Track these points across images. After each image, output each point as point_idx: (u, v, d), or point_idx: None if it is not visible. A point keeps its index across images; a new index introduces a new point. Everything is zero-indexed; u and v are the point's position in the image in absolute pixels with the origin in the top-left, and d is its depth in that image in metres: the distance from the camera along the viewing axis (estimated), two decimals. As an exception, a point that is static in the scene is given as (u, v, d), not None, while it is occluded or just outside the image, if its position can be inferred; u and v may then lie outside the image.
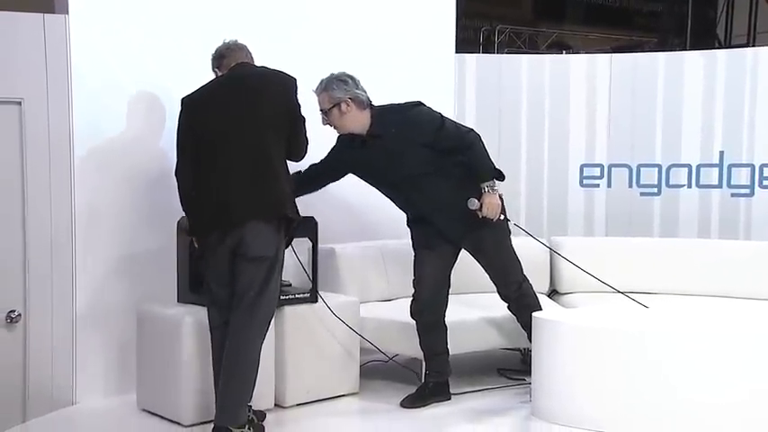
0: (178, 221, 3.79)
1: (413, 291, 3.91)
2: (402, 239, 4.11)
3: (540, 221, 5.33)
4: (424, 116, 3.78)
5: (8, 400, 3.78)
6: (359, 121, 3.74)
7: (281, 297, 3.76)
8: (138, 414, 3.74)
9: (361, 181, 3.96)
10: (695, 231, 5.17)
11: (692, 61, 5.26)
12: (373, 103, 3.80)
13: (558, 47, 13.27)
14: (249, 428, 3.31)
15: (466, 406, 3.88)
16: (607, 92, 5.31)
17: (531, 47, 13.60)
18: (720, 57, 5.26)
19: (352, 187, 4.06)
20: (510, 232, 3.92)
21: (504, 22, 13.85)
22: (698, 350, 3.30)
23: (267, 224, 3.30)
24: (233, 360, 3.29)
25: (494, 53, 12.12)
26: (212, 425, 3.32)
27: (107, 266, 3.91)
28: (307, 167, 3.88)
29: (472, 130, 3.85)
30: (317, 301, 3.89)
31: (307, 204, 3.91)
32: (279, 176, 3.34)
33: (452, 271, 3.94)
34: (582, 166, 5.37)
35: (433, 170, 3.75)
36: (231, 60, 3.52)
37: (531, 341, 3.96)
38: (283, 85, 3.40)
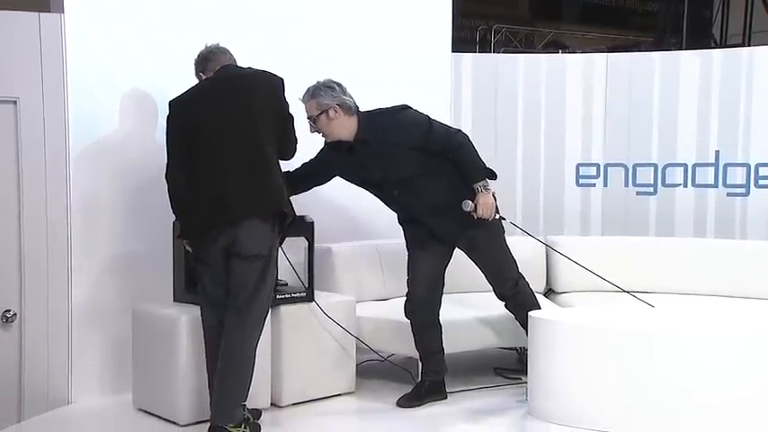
0: (174, 221, 3.79)
1: (407, 290, 3.91)
2: (398, 239, 4.10)
3: (537, 221, 5.33)
4: (412, 119, 3.77)
5: (4, 399, 3.78)
6: (346, 128, 3.73)
7: (278, 296, 3.77)
8: (133, 413, 3.73)
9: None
10: (691, 231, 5.18)
11: (688, 61, 5.27)
12: (360, 108, 3.77)
13: (555, 46, 13.28)
14: (245, 427, 3.31)
15: (462, 405, 3.88)
16: (603, 91, 5.31)
17: (528, 46, 13.61)
18: (716, 56, 5.27)
19: (347, 187, 4.06)
20: (504, 230, 3.91)
21: (501, 22, 13.86)
22: (695, 349, 3.30)
23: (263, 222, 3.31)
24: (228, 358, 3.29)
25: (490, 52, 12.12)
26: (208, 424, 3.32)
27: (103, 266, 3.91)
28: (296, 168, 3.87)
29: (460, 130, 3.84)
30: (312, 301, 3.89)
31: (302, 204, 3.90)
32: (274, 173, 3.36)
33: (447, 270, 3.94)
34: (578, 166, 5.37)
35: (422, 172, 3.73)
36: (215, 64, 3.52)
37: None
38: (271, 84, 3.40)
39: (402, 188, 3.75)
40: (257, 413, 3.57)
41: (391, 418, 3.73)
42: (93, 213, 3.88)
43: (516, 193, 5.30)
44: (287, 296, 3.83)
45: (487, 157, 3.87)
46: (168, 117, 3.42)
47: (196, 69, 3.61)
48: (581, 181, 5.38)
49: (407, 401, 3.85)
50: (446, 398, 3.93)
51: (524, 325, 3.90)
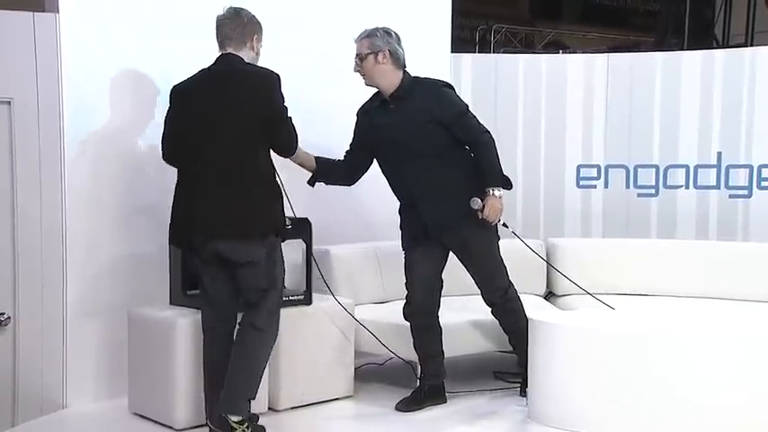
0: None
1: (406, 293, 3.87)
2: (397, 240, 4.07)
3: (537, 222, 5.30)
4: (452, 96, 3.78)
5: (-2, 403, 3.75)
6: (388, 78, 3.70)
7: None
8: (129, 418, 3.70)
9: (359, 180, 3.93)
10: (693, 232, 5.15)
11: (690, 61, 5.23)
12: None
13: (555, 46, 13.25)
14: (248, 427, 3.28)
15: (462, 409, 3.85)
16: (604, 92, 5.28)
17: (528, 46, 13.59)
18: (718, 57, 5.24)
19: (346, 188, 4.02)
20: (499, 237, 3.86)
21: (501, 22, 13.83)
22: (695, 352, 3.28)
23: (239, 242, 3.26)
24: (240, 354, 3.29)
25: (490, 53, 12.09)
26: (206, 429, 3.28)
27: (98, 268, 3.87)
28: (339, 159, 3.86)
29: (489, 131, 3.80)
30: (311, 303, 3.86)
31: (300, 206, 3.87)
32: (248, 192, 3.26)
33: (448, 273, 3.90)
34: (579, 167, 5.34)
35: (440, 154, 3.68)
36: (219, 36, 3.42)
37: (513, 345, 3.98)
38: (262, 84, 3.32)
39: (415, 164, 3.67)
40: (255, 418, 3.53)
41: (390, 421, 3.70)
42: (89, 215, 3.85)
43: (517, 195, 5.26)
44: (285, 299, 3.78)
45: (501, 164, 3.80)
46: (169, 103, 3.42)
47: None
48: (582, 182, 5.34)
49: (407, 405, 3.82)
50: (446, 402, 3.90)
51: (509, 331, 3.90)
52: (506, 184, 3.78)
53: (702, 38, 13.02)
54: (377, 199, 4.01)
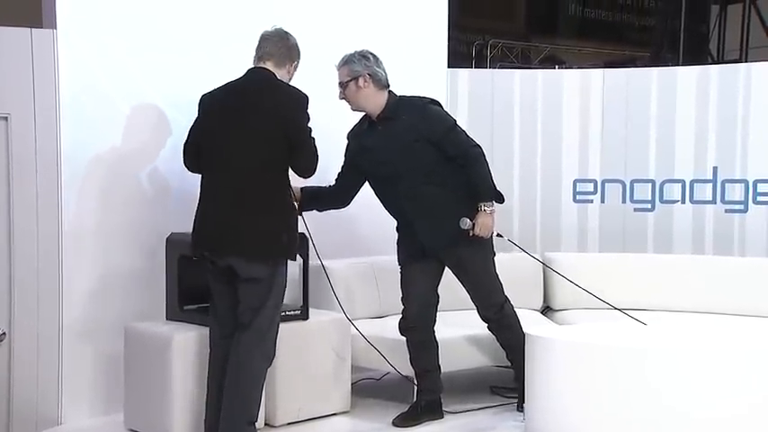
0: (167, 238, 3.75)
1: (402, 308, 3.87)
2: (393, 255, 4.06)
3: (533, 237, 5.29)
4: (439, 113, 3.78)
5: (-7, 419, 3.73)
6: (373, 101, 3.71)
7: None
8: (125, 434, 3.69)
9: (357, 194, 3.94)
10: (689, 247, 5.15)
11: (685, 76, 5.25)
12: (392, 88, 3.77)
13: (551, 61, 13.33)
14: None
15: (459, 424, 3.84)
16: (600, 107, 5.29)
17: (524, 61, 13.66)
18: (713, 72, 5.26)
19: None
20: (494, 253, 3.86)
21: (497, 37, 13.90)
22: (693, 367, 3.26)
23: (249, 261, 3.28)
24: (234, 377, 3.28)
25: (486, 68, 12.14)
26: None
27: (94, 284, 3.86)
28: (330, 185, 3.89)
29: (479, 145, 3.80)
30: (308, 318, 3.86)
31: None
32: (261, 211, 3.27)
33: (444, 287, 3.90)
34: (575, 182, 5.34)
35: (431, 171, 3.69)
36: (260, 50, 3.44)
37: (510, 360, 3.97)
38: (288, 103, 3.32)
39: (406, 183, 3.69)
40: None
41: (387, 438, 3.69)
42: (85, 230, 3.84)
43: (513, 209, 5.26)
44: (281, 314, 3.78)
45: (493, 179, 3.81)
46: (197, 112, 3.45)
47: None
48: (578, 197, 5.35)
49: (404, 421, 3.81)
50: (443, 417, 3.89)
51: (505, 346, 3.90)
52: (498, 198, 3.77)
53: (698, 53, 13.10)
54: (372, 214, 4.00)
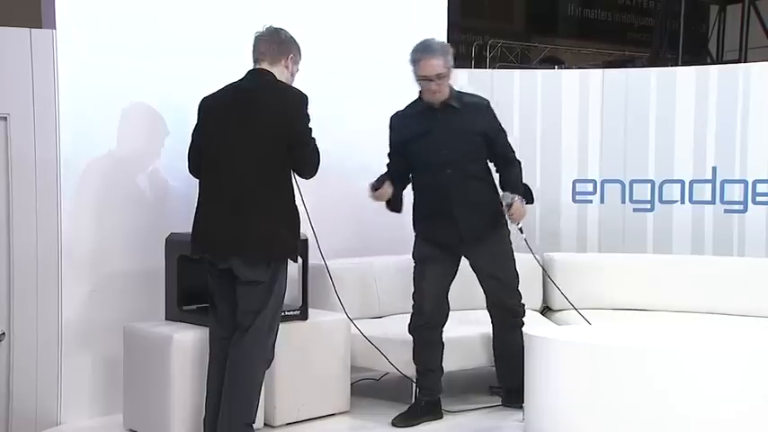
0: (166, 238, 3.75)
1: (412, 304, 3.89)
2: (392, 256, 4.07)
3: (533, 237, 5.27)
4: (493, 113, 3.95)
5: (-8, 420, 3.73)
6: (447, 90, 3.82)
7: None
8: (124, 434, 3.69)
9: (353, 195, 3.93)
10: (689, 247, 5.15)
11: (685, 77, 5.25)
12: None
13: (551, 61, 13.32)
14: None
15: (458, 424, 3.85)
16: (599, 107, 5.29)
17: (524, 61, 13.66)
18: (712, 72, 5.26)
19: (342, 203, 4.03)
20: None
21: (497, 37, 13.91)
22: (693, 367, 3.26)
23: (247, 264, 3.28)
24: (232, 379, 3.28)
25: (486, 68, 12.14)
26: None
27: (94, 284, 3.86)
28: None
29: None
30: (307, 319, 3.86)
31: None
32: (261, 213, 3.26)
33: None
34: (574, 182, 5.34)
35: (477, 165, 3.87)
36: (255, 53, 3.42)
37: (498, 356, 4.04)
38: (286, 103, 3.31)
39: (456, 172, 3.80)
40: None
41: (386, 438, 3.69)
42: (84, 231, 3.84)
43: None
44: (281, 314, 3.78)
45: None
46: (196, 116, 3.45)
47: None
48: (577, 197, 5.34)
49: (403, 421, 3.81)
50: (442, 417, 3.89)
51: (510, 343, 3.91)
52: (531, 198, 3.97)
53: (697, 53, 13.10)
54: (370, 214, 4.00)
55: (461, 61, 11.87)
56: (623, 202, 5.27)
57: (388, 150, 3.95)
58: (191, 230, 3.42)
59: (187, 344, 3.51)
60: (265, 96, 3.34)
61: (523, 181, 4.00)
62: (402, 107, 3.94)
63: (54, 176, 3.76)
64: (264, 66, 3.40)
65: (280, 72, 3.41)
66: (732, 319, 4.53)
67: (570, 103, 5.32)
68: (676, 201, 5.20)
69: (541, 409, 3.49)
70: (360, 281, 4.45)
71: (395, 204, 3.90)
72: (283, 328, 3.75)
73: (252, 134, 3.28)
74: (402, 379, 4.06)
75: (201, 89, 4.08)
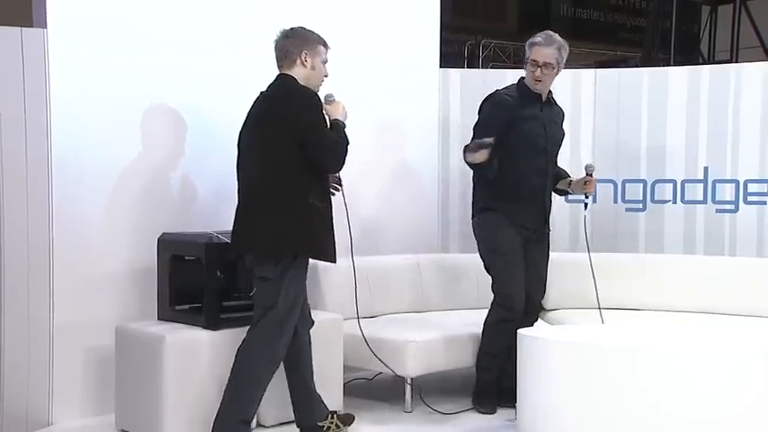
0: (159, 238, 3.74)
1: (497, 297, 3.98)
2: (385, 255, 4.07)
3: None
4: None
5: (-18, 421, 3.71)
6: (549, 85, 4.05)
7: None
8: (116, 435, 3.68)
9: (347, 195, 3.94)
10: (681, 247, 5.16)
11: (677, 76, 5.26)
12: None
13: (543, 61, 13.35)
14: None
15: (448, 426, 3.84)
16: (592, 107, 5.30)
17: (516, 61, 13.66)
18: (704, 72, 5.27)
19: (335, 202, 4.01)
20: None
21: (489, 37, 13.91)
22: (683, 367, 3.27)
23: (257, 258, 3.39)
24: (233, 375, 3.34)
25: (478, 68, 12.14)
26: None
27: (85, 283, 3.84)
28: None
29: None
30: (299, 319, 3.85)
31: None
32: (270, 212, 3.32)
33: (444, 286, 4.23)
34: (567, 182, 5.34)
35: (555, 156, 4.12)
36: (276, 52, 3.48)
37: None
38: (292, 104, 3.33)
39: (550, 162, 4.07)
40: (350, 418, 3.74)
41: (379, 437, 3.69)
42: (76, 230, 3.82)
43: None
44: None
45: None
46: None
47: None
48: (570, 197, 5.35)
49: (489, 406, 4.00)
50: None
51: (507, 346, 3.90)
52: None
53: (689, 53, 13.13)
54: (367, 213, 4.00)
55: (454, 61, 11.89)
56: (615, 201, 5.28)
57: (486, 125, 3.96)
58: None
59: (179, 344, 3.50)
60: (275, 100, 3.40)
61: None
62: (398, 107, 3.97)
63: (45, 175, 3.74)
64: (284, 70, 3.47)
65: (299, 71, 3.44)
66: (723, 319, 4.54)
67: (562, 102, 5.27)
68: (668, 201, 5.21)
69: (533, 408, 3.50)
70: (352, 280, 4.44)
71: (489, 169, 3.92)
72: (276, 327, 3.76)
73: (261, 138, 3.36)
74: (395, 379, 4.06)
75: (193, 88, 4.09)
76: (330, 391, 3.92)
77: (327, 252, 3.45)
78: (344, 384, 4.04)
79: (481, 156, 3.81)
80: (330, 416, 3.64)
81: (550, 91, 4.10)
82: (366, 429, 3.80)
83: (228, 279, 3.76)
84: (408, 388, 4.01)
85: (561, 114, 4.18)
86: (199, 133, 4.11)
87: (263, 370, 3.37)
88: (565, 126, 4.22)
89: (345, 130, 3.46)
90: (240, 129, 3.49)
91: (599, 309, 4.13)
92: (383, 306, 4.42)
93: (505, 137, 3.90)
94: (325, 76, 3.51)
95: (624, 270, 4.85)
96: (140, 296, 3.87)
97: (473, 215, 4.08)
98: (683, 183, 5.19)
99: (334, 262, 3.49)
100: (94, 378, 3.88)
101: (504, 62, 13.33)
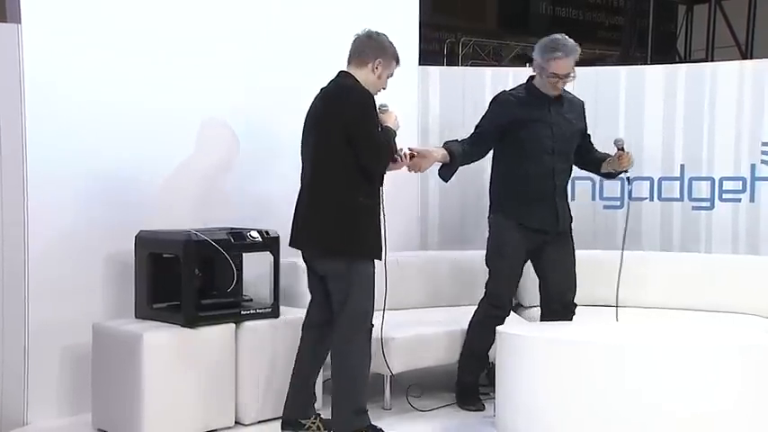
0: (136, 235, 3.72)
1: (488, 293, 4.03)
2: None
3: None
4: (585, 111, 4.18)
5: (-44, 421, 3.66)
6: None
7: (242, 312, 3.74)
8: (93, 434, 3.64)
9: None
10: (658, 244, 5.20)
11: (653, 75, 5.30)
12: None
13: (522, 59, 13.37)
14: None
15: (428, 423, 3.85)
16: (569, 105, 5.31)
17: (495, 59, 13.70)
18: (681, 71, 5.31)
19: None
20: None
21: (469, 35, 13.94)
22: (663, 363, 3.30)
23: (314, 253, 3.52)
24: (333, 373, 3.51)
25: (458, 65, 12.16)
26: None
27: (61, 282, 3.80)
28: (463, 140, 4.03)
29: None
30: (278, 317, 3.84)
31: (270, 217, 3.86)
32: (331, 209, 3.42)
33: (425, 285, 4.24)
34: (545, 179, 5.35)
35: (571, 159, 4.09)
36: (352, 47, 3.55)
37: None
38: (346, 102, 3.41)
39: (561, 162, 4.01)
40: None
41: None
42: (52, 228, 3.78)
43: (484, 211, 5.26)
44: (252, 312, 3.77)
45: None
46: None
47: None
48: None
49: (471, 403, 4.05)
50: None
51: None
52: None
53: (666, 52, 13.23)
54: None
55: (433, 58, 11.90)
56: (593, 199, 5.31)
57: (480, 122, 4.05)
58: None
59: (157, 342, 3.48)
60: (331, 96, 3.47)
61: None
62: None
63: (20, 173, 3.70)
64: (350, 68, 3.53)
65: (365, 75, 3.52)
66: (700, 315, 4.59)
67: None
68: (646, 198, 5.25)
69: (513, 405, 3.51)
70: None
71: (447, 172, 3.98)
72: (253, 325, 3.75)
73: (317, 135, 3.45)
74: (374, 376, 4.06)
75: (170, 85, 4.06)
76: (309, 388, 3.93)
77: (377, 250, 3.51)
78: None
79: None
80: (314, 417, 3.65)
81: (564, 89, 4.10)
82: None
83: (207, 277, 3.75)
84: (388, 385, 4.01)
85: (579, 107, 4.13)
86: (175, 132, 4.08)
87: (355, 365, 3.49)
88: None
89: (395, 139, 3.55)
90: (302, 128, 3.55)
91: (616, 306, 4.17)
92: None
93: (511, 138, 3.94)
94: (383, 89, 3.60)
95: (602, 267, 4.85)
96: (118, 294, 3.84)
97: (489, 212, 4.14)
98: (659, 180, 5.22)
99: (381, 260, 3.54)
100: (71, 377, 3.84)
101: (483, 60, 13.36)
